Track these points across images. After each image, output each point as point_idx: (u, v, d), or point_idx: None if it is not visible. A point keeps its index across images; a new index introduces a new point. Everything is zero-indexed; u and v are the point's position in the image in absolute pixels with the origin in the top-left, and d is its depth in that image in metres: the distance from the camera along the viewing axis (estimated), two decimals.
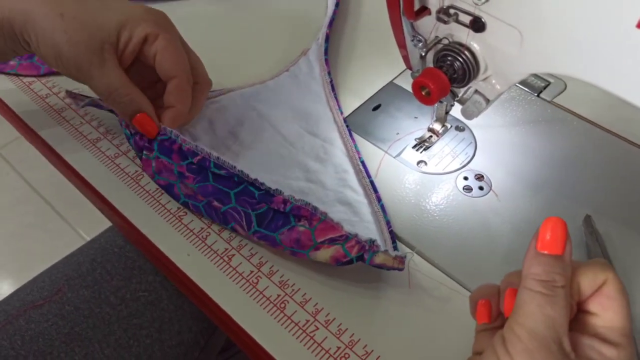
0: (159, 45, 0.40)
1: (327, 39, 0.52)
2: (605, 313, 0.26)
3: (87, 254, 0.54)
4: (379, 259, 0.35)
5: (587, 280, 0.26)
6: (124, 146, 0.46)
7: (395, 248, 0.38)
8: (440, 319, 0.36)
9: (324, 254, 0.36)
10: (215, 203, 0.39)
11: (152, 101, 0.43)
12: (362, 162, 0.43)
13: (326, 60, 0.51)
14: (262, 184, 0.38)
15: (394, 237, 0.39)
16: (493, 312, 0.29)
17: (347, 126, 0.46)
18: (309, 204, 0.37)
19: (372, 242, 0.36)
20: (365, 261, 0.35)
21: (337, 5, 0.55)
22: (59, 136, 0.47)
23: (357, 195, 0.41)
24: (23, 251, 1.19)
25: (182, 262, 0.39)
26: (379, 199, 0.41)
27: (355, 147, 0.45)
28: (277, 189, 0.38)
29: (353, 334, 0.35)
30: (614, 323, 0.26)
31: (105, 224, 0.58)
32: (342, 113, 0.47)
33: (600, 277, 0.26)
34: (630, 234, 0.39)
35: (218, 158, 0.40)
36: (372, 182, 0.42)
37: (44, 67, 0.52)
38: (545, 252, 0.26)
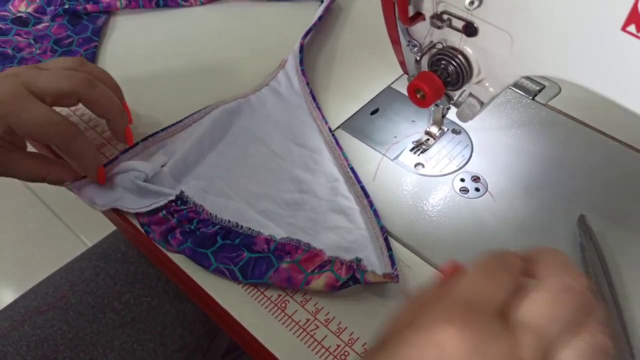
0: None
1: (302, 49, 0.52)
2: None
3: (90, 260, 0.55)
4: (369, 277, 0.36)
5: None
6: None
7: (391, 256, 0.38)
8: None
9: (317, 283, 0.36)
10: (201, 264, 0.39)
11: None
12: (352, 169, 0.44)
13: (302, 71, 0.51)
14: (241, 227, 0.39)
15: (389, 243, 0.39)
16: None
17: (333, 135, 0.46)
18: (293, 239, 0.38)
19: (358, 260, 0.37)
20: (360, 281, 0.36)
21: (320, 18, 0.56)
22: None
23: (350, 202, 0.42)
24: (26, 257, 1.20)
25: (184, 262, 0.40)
26: (371, 204, 0.41)
27: (344, 154, 0.45)
28: (257, 231, 0.39)
29: (353, 332, 0.36)
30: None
31: (107, 229, 0.59)
32: (327, 123, 0.47)
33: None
34: (623, 233, 0.40)
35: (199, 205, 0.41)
36: (363, 188, 0.42)
37: None
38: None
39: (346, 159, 0.44)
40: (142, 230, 0.42)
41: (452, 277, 0.26)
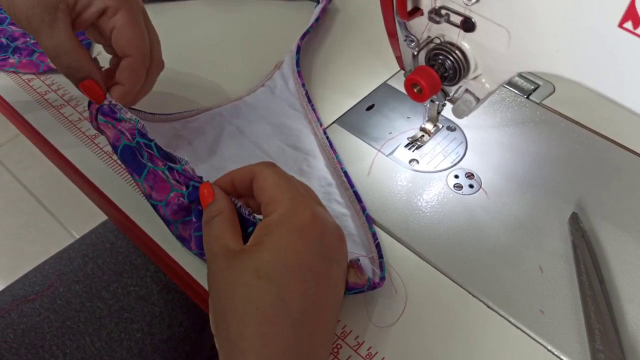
0: (117, 21, 0.39)
1: (299, 50, 0.52)
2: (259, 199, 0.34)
3: (79, 250, 0.54)
4: (351, 277, 0.34)
5: (244, 186, 0.35)
6: None
7: (381, 263, 0.37)
8: (430, 311, 0.37)
9: None
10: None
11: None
12: (345, 173, 0.43)
13: (299, 72, 0.50)
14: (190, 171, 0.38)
15: (381, 250, 0.38)
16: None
17: (327, 137, 0.46)
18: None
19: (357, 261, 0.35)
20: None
21: (317, 20, 0.55)
22: (57, 133, 0.48)
23: (343, 208, 0.41)
24: (15, 251, 1.19)
25: (176, 253, 0.40)
26: (363, 209, 0.41)
27: (337, 157, 0.44)
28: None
29: (345, 325, 0.36)
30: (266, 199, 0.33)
31: (97, 222, 0.58)
32: (321, 125, 0.47)
33: (249, 178, 0.35)
34: (615, 231, 0.40)
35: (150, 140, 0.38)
36: (355, 193, 0.42)
37: (43, 64, 0.53)
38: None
39: (340, 162, 0.44)
40: (134, 220, 0.41)
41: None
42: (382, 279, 0.36)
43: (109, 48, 0.43)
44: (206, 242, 0.34)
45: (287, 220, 0.31)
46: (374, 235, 0.39)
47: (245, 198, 0.36)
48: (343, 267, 0.34)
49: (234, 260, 0.31)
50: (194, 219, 0.37)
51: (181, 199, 0.37)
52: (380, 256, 0.38)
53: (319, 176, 0.44)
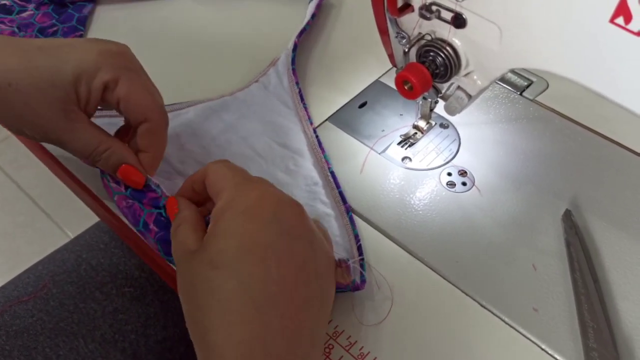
0: (120, 91, 0.36)
1: (295, 48, 0.52)
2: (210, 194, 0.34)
3: (72, 251, 0.54)
4: (338, 276, 0.34)
5: (202, 187, 0.35)
6: None
7: (362, 264, 0.37)
8: (423, 310, 0.36)
9: None
10: None
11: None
12: (332, 173, 0.43)
13: (294, 70, 0.50)
14: None
15: (362, 252, 0.38)
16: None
17: (317, 136, 0.46)
18: None
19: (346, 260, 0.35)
20: None
21: (313, 16, 0.55)
22: None
23: (327, 208, 0.41)
24: (11, 251, 1.19)
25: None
26: (347, 210, 0.41)
27: (325, 157, 0.44)
28: None
29: (337, 325, 0.36)
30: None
31: (92, 223, 0.58)
32: (312, 123, 0.47)
33: (203, 178, 0.34)
34: (609, 228, 0.40)
35: None
36: (341, 193, 0.42)
37: None
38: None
39: (327, 162, 0.44)
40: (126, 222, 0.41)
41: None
42: (364, 281, 0.36)
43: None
44: (173, 251, 0.33)
45: (230, 205, 0.31)
46: (357, 237, 0.39)
47: (211, 202, 0.35)
48: (312, 243, 0.32)
49: (192, 259, 0.31)
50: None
51: (160, 217, 0.38)
52: (362, 258, 0.37)
53: (305, 175, 0.43)
